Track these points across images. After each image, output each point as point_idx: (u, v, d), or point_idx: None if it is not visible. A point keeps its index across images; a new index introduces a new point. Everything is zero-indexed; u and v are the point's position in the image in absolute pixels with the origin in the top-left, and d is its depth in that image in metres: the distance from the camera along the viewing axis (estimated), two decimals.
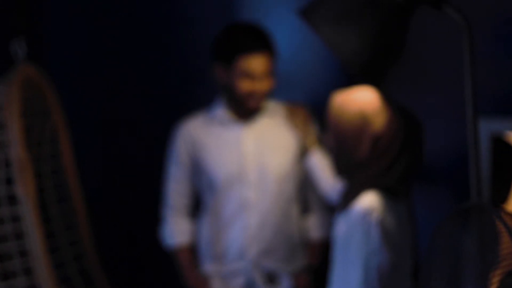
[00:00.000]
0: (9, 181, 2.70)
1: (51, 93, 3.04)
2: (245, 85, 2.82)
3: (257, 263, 2.96)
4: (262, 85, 2.83)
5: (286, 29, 3.21)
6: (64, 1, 3.69)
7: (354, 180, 2.20)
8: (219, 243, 2.98)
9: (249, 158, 2.93)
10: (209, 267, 3.04)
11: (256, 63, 2.80)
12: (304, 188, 3.04)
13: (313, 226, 3.06)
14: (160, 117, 3.53)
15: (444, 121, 2.77)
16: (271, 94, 2.92)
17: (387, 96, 2.21)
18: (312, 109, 3.02)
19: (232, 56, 2.81)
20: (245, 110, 2.92)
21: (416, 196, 2.44)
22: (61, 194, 3.14)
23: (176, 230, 3.06)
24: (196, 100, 3.33)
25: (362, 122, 2.15)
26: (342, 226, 2.16)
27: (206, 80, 3.22)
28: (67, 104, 3.14)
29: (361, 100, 2.18)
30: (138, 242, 3.66)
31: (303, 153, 2.98)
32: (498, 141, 2.61)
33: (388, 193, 2.15)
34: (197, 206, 3.11)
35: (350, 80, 2.61)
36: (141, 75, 3.62)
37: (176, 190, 3.05)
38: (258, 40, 2.83)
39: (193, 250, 3.08)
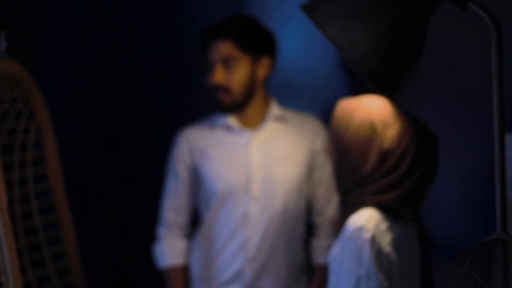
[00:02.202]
0: None
1: (36, 93, 2.80)
2: (208, 77, 2.68)
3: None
4: (218, 76, 2.64)
5: (294, 28, 2.95)
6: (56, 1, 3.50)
7: (354, 197, 1.96)
8: (213, 265, 2.74)
9: (254, 169, 2.68)
10: None
11: (212, 50, 2.65)
12: (311, 208, 2.78)
13: (318, 250, 2.78)
14: (159, 122, 3.34)
15: (467, 138, 2.47)
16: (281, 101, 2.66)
17: (400, 106, 1.95)
18: (323, 120, 2.76)
19: (202, 49, 2.70)
20: (216, 106, 2.72)
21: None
22: (45, 204, 2.89)
23: (169, 252, 2.84)
24: (198, 108, 3.10)
25: (371, 134, 1.91)
26: (336, 247, 1.94)
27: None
28: (54, 107, 2.90)
29: (371, 109, 1.94)
30: (129, 258, 3.43)
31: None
32: None
33: (391, 214, 1.91)
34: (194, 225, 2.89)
35: (365, 86, 2.39)
36: (137, 77, 3.42)
37: (171, 207, 2.82)
38: (218, 28, 2.67)
39: (186, 273, 2.87)
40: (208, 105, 2.87)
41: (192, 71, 3.26)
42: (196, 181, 2.79)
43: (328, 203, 2.77)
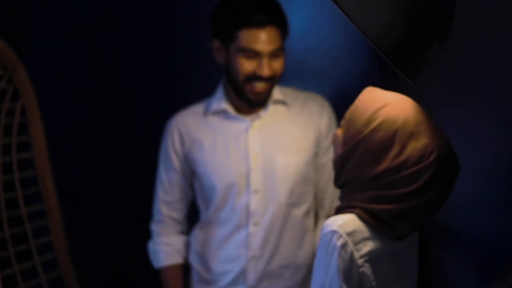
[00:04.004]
0: None
1: (21, 71, 2.63)
2: (247, 67, 2.38)
3: None
4: (269, 69, 2.38)
5: (300, 2, 2.76)
6: None
7: (345, 199, 1.79)
8: (213, 266, 2.54)
9: (253, 159, 2.46)
10: None
11: (262, 39, 2.34)
12: (317, 200, 2.58)
13: None
14: (151, 106, 3.15)
15: (490, 126, 2.28)
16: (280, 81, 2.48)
17: (418, 91, 1.76)
18: (331, 102, 2.57)
19: (234, 30, 2.36)
20: (248, 100, 2.45)
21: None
22: (31, 192, 2.76)
23: (165, 251, 2.63)
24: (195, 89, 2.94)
25: (390, 142, 1.71)
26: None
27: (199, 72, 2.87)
28: (42, 87, 2.74)
29: (400, 113, 1.72)
30: (121, 251, 3.27)
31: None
32: None
33: (379, 226, 1.72)
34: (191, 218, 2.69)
35: (377, 67, 2.19)
36: (132, 59, 3.23)
37: (165, 201, 2.61)
38: (266, 11, 2.36)
39: (184, 271, 2.66)
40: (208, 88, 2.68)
41: (192, 51, 3.11)
42: (191, 172, 2.59)
43: (329, 193, 2.57)
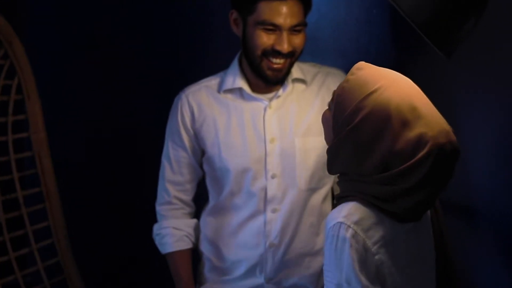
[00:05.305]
0: None
1: (18, 45, 2.53)
2: (265, 40, 2.24)
3: (277, 283, 2.37)
4: (289, 44, 2.24)
5: None
6: None
7: (342, 189, 1.69)
8: (226, 255, 2.40)
9: (271, 142, 2.33)
10: (211, 285, 2.45)
11: (283, 13, 2.22)
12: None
13: None
14: (153, 81, 3.04)
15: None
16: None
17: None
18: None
19: (253, 2, 2.23)
20: (265, 77, 2.31)
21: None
22: (28, 174, 2.71)
23: (172, 236, 2.46)
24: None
25: (382, 130, 1.56)
26: None
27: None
28: (40, 63, 2.65)
29: (394, 95, 1.56)
30: (122, 235, 3.16)
31: None
32: None
33: (384, 208, 1.62)
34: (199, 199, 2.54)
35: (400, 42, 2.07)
36: (128, 37, 3.11)
37: (172, 182, 2.45)
38: None
39: (193, 257, 2.50)
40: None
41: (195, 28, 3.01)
42: (201, 152, 2.45)
43: None
